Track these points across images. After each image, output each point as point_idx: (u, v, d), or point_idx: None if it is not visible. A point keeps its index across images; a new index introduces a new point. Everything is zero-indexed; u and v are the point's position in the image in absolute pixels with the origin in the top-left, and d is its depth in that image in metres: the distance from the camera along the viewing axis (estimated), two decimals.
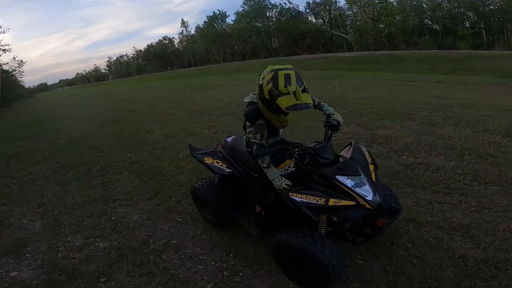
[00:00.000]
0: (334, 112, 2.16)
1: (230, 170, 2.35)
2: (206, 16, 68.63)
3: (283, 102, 1.71)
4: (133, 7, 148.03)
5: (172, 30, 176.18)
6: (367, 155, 2.04)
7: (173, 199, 3.34)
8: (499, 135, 4.02)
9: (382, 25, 37.82)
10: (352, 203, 1.70)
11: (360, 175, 1.80)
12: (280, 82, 1.73)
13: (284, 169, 1.99)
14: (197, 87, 15.26)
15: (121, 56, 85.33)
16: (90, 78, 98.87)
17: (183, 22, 68.56)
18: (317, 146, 1.95)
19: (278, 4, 51.44)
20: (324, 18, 45.16)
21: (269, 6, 48.48)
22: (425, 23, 36.74)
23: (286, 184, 1.85)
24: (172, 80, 29.32)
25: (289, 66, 1.83)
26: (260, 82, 1.83)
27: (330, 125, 2.07)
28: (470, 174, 3.02)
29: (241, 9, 50.59)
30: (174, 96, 12.53)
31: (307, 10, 46.36)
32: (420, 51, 27.07)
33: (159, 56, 66.84)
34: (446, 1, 34.67)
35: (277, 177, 1.89)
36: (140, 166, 4.50)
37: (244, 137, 2.21)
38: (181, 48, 64.96)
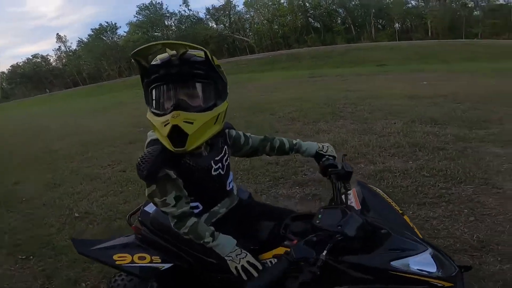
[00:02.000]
0: (322, 145, 1.31)
1: (170, 264, 1.32)
2: (91, 29, 60.07)
3: None
4: None
5: (44, 47, 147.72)
6: (389, 200, 1.35)
7: (83, 285, 2.05)
8: (427, 124, 4.14)
9: (276, 26, 40.71)
10: None
11: (420, 247, 1.04)
12: None
13: (270, 260, 1.10)
14: (87, 110, 12.52)
15: None
16: None
17: (59, 38, 58.10)
18: (342, 220, 1.07)
19: (176, 12, 49.30)
20: (225, 23, 45.85)
21: (167, 14, 46.13)
22: (310, 22, 41.35)
23: (249, 262, 1.02)
24: (52, 104, 23.75)
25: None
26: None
27: (336, 172, 1.21)
28: (438, 175, 2.80)
29: (134, 20, 46.53)
30: (56, 125, 9.63)
31: (207, 16, 46.20)
32: (310, 48, 30.08)
33: (29, 77, 55.06)
34: (324, 0, 39.79)
35: (233, 248, 1.05)
36: (12, 236, 2.85)
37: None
38: (61, 66, 55.28)
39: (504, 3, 37.25)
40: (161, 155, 0.98)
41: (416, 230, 1.21)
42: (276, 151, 1.30)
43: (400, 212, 1.28)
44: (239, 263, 1.01)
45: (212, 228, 1.07)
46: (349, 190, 1.11)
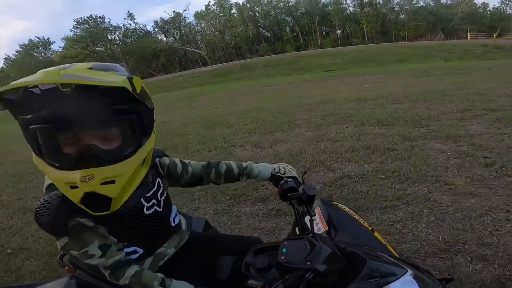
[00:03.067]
0: (278, 166, 1.14)
1: None
2: (19, 45, 53.97)
3: None
4: None
5: None
6: (356, 216, 1.25)
7: None
8: (375, 126, 4.35)
9: (228, 37, 40.99)
10: None
11: (399, 270, 0.94)
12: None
13: None
14: (17, 136, 11.05)
15: None
16: None
17: None
18: (311, 253, 0.84)
19: (121, 25, 46.64)
20: (175, 36, 44.75)
21: (110, 28, 43.42)
22: (260, 31, 42.47)
23: None
24: None
25: None
26: None
27: (296, 197, 1.04)
28: (393, 176, 2.88)
29: (71, 34, 42.95)
30: None
31: (156, 29, 44.66)
32: (262, 57, 30.86)
33: None
34: (272, 9, 41.23)
35: None
36: None
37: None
38: None
39: (424, 5, 42.41)
40: (64, 202, 0.73)
41: (389, 247, 1.13)
42: (224, 177, 1.10)
43: (370, 228, 1.20)
44: None
45: (161, 275, 0.86)
46: (313, 215, 0.98)
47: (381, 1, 42.60)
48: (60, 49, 44.69)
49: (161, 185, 0.96)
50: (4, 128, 17.60)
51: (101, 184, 0.69)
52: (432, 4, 42.25)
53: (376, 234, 1.16)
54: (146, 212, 0.88)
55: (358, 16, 43.43)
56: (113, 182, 0.71)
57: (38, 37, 46.97)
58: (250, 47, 40.94)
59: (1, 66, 48.46)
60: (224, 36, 41.35)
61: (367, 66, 17.17)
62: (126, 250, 0.87)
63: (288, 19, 43.19)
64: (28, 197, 4.09)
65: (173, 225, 1.01)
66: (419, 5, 42.22)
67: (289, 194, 1.04)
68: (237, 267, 1.04)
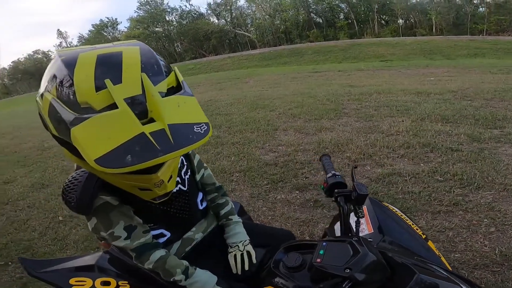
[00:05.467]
0: (243, 244, 0.98)
1: None
2: (92, 24, 59.28)
3: (90, 138, 0.55)
4: None
5: (45, 44, 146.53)
6: (409, 222, 1.08)
7: None
8: (438, 122, 3.85)
9: (278, 21, 40.20)
10: None
11: (452, 286, 0.78)
12: (82, 75, 0.59)
13: None
14: None
15: None
16: None
17: (60, 33, 57.50)
18: (352, 260, 0.72)
19: (178, 7, 48.57)
20: (226, 18, 45.29)
21: (168, 9, 45.55)
22: (312, 17, 40.75)
23: None
24: None
25: (128, 41, 0.73)
26: (39, 93, 0.68)
27: (344, 194, 0.89)
28: (453, 180, 2.52)
29: (135, 15, 45.93)
30: None
31: (209, 11, 45.57)
32: (313, 43, 29.61)
33: (31, 73, 54.76)
34: None
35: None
36: None
37: None
38: None
39: None
40: (91, 178, 0.74)
41: (443, 259, 0.96)
42: (212, 206, 1.04)
43: (423, 236, 1.02)
44: None
45: (185, 263, 0.83)
46: (361, 217, 0.84)
47: None
48: (125, 29, 48.18)
49: (185, 163, 0.92)
50: None
51: (167, 181, 0.73)
52: None
53: (429, 243, 1.01)
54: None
55: (426, 6, 39.08)
56: (171, 177, 0.74)
57: (107, 18, 51.25)
58: (300, 32, 39.56)
59: (76, 44, 53.92)
60: (274, 20, 40.52)
61: (433, 59, 15.44)
62: (153, 232, 0.86)
63: (343, 6, 40.56)
64: None
65: (200, 208, 0.97)
66: None
67: (336, 190, 0.91)
68: (265, 262, 0.98)
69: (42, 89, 0.66)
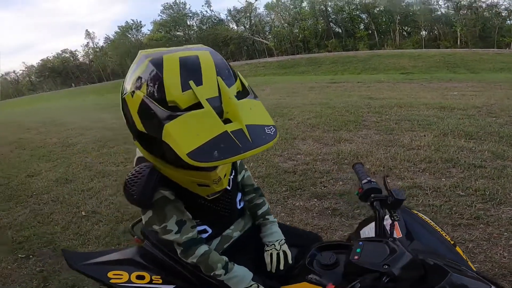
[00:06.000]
0: (279, 243, 1.03)
1: (172, 285, 1.11)
2: (118, 26, 62.05)
3: (182, 134, 0.61)
4: (19, 17, 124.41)
5: (73, 43, 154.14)
6: (437, 228, 1.12)
7: None
8: (461, 138, 3.79)
9: (297, 30, 40.46)
10: None
11: (483, 286, 0.82)
12: (170, 76, 0.65)
13: None
14: (108, 106, 12.77)
15: (7, 74, 69.94)
16: None
17: (88, 34, 60.06)
18: (390, 257, 0.78)
19: (199, 12, 50.36)
20: (245, 25, 46.14)
21: (190, 14, 47.15)
22: (331, 27, 40.70)
23: None
24: (77, 98, 24.65)
25: (196, 45, 0.79)
26: (124, 91, 0.74)
27: (380, 199, 0.97)
28: (475, 195, 2.50)
29: (158, 18, 47.73)
30: (76, 119, 9.85)
31: (228, 18, 46.66)
32: (331, 53, 29.56)
33: (58, 72, 57.50)
34: (347, 5, 39.05)
35: (249, 284, 0.90)
36: (16, 232, 2.81)
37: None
38: (87, 62, 57.38)
39: None
40: (153, 173, 0.79)
41: (470, 263, 1.00)
42: (250, 206, 1.10)
43: (452, 242, 1.06)
44: None
45: (225, 258, 0.90)
46: (398, 220, 0.91)
47: (483, 5, 36.60)
48: (148, 32, 50.00)
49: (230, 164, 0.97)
50: (97, 99, 20.66)
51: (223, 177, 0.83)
52: None
53: (457, 249, 1.04)
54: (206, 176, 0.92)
55: (451, 18, 38.20)
56: (225, 175, 0.84)
57: (132, 20, 53.38)
58: (318, 41, 39.58)
59: (102, 45, 56.40)
60: (293, 28, 40.81)
61: (457, 72, 15.06)
62: (198, 228, 0.92)
63: (364, 16, 40.27)
64: (109, 161, 4.66)
65: (238, 207, 1.03)
66: None
67: (372, 195, 0.98)
68: (298, 260, 1.03)
69: (129, 87, 0.71)
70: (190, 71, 0.65)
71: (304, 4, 40.71)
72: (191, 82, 0.64)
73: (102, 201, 3.21)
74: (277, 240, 1.02)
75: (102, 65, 54.96)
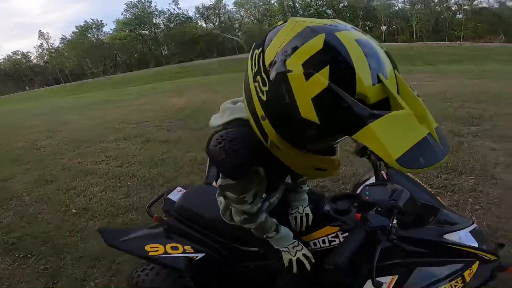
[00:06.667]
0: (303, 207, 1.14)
1: (203, 253, 1.24)
2: (75, 26, 57.81)
3: (388, 136, 0.53)
4: None
5: (25, 45, 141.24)
6: (418, 180, 1.35)
7: (92, 283, 1.99)
8: None
9: (266, 26, 40.85)
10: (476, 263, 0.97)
11: (466, 221, 1.04)
12: (360, 64, 0.55)
13: (318, 241, 1.08)
14: (72, 107, 12.06)
15: None
16: None
17: (41, 34, 55.54)
18: (394, 194, 0.96)
19: (165, 10, 48.53)
20: (215, 22, 45.45)
21: (156, 12, 45.36)
22: None
23: (304, 255, 0.98)
24: (34, 102, 22.78)
25: (335, 20, 0.66)
26: (282, 67, 0.58)
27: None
28: (440, 167, 2.83)
29: (121, 17, 45.51)
30: (41, 122, 9.22)
31: (197, 15, 45.68)
32: None
33: (9, 75, 52.83)
34: (314, 1, 40.09)
35: (292, 240, 1.00)
36: (5, 234, 2.72)
37: (218, 199, 1.09)
38: (42, 64, 53.34)
39: (487, 6, 38.79)
40: (253, 146, 0.72)
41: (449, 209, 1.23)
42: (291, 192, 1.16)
43: (432, 192, 1.30)
44: (294, 256, 0.98)
45: (275, 221, 0.99)
46: (390, 167, 1.10)
47: (435, 0, 39.65)
48: (111, 31, 47.51)
49: None
50: (59, 101, 19.36)
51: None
52: (497, 6, 38.48)
53: (437, 197, 1.27)
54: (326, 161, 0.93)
55: (407, 13, 40.88)
56: None
57: (92, 19, 50.34)
58: None
59: (58, 45, 52.56)
60: (262, 25, 41.20)
61: (415, 65, 16.20)
62: None
63: (329, 12, 41.76)
64: (89, 160, 4.52)
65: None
66: (481, 6, 38.77)
67: (368, 150, 1.14)
68: (314, 213, 1.16)
69: (296, 65, 0.56)
70: (374, 59, 0.56)
71: (273, 0, 41.19)
72: (381, 76, 0.55)
73: (91, 198, 3.17)
74: (302, 205, 1.13)
75: (59, 67, 51.44)
